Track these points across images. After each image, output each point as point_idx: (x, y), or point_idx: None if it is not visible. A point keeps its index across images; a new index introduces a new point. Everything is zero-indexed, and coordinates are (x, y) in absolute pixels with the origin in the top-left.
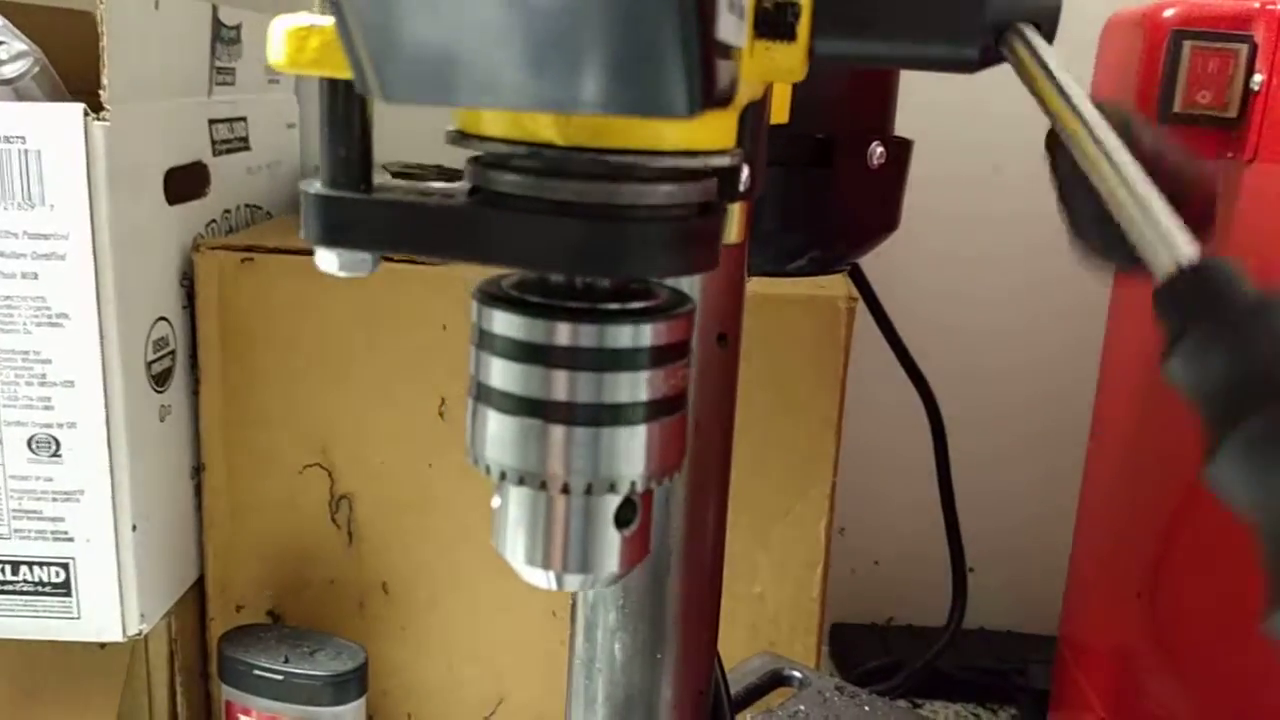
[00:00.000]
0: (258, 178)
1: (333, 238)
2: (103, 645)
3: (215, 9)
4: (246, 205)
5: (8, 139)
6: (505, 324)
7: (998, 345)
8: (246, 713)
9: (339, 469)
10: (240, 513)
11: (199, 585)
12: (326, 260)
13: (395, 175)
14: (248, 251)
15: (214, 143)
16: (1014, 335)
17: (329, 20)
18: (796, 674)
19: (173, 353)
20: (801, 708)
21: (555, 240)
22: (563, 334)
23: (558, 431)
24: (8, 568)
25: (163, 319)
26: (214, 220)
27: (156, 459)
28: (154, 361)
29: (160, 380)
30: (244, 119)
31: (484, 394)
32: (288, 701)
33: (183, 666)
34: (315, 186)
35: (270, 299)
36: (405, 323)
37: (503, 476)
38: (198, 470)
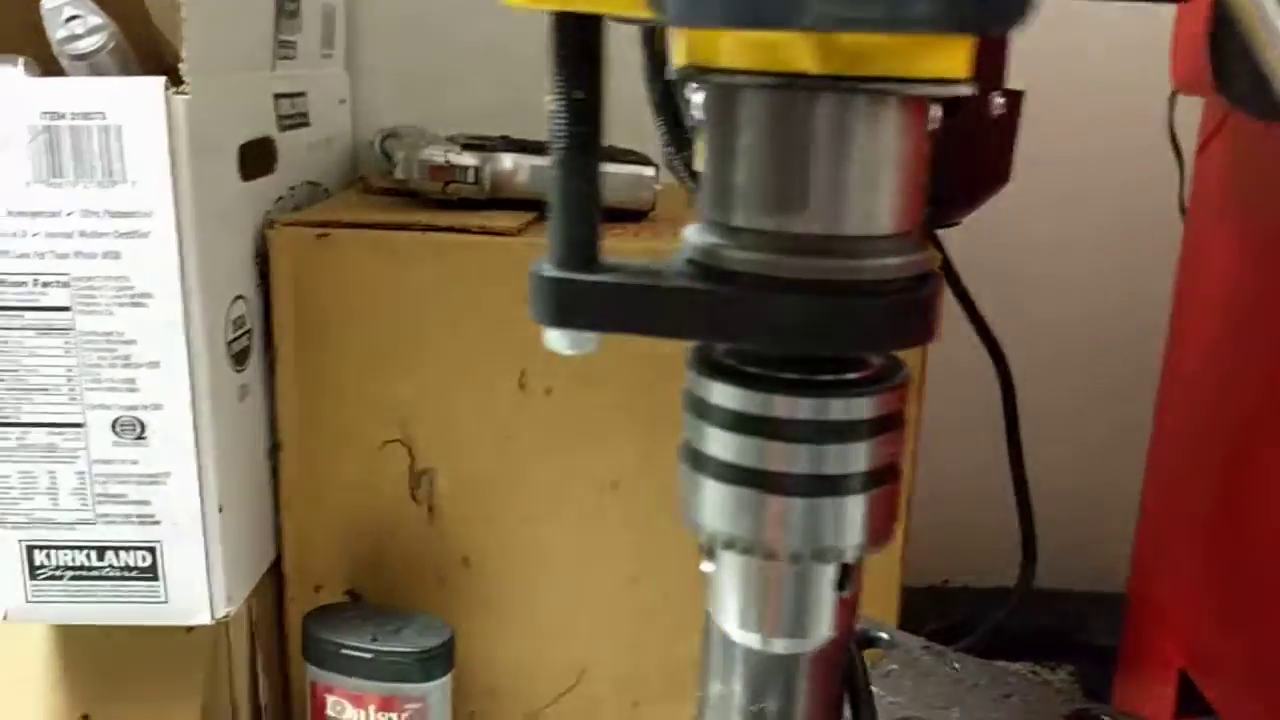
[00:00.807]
0: (316, 153)
1: (564, 320)
2: (189, 629)
3: None
4: (307, 182)
5: (87, 115)
6: (728, 397)
7: (1064, 296)
8: (331, 691)
9: (419, 445)
10: (318, 491)
11: (275, 566)
12: (556, 339)
13: (464, 146)
14: (323, 227)
15: (279, 118)
16: (1080, 285)
17: None
18: (884, 635)
19: (249, 331)
20: (894, 668)
21: (791, 318)
22: (785, 407)
23: (777, 502)
24: (93, 553)
25: (240, 297)
26: (281, 197)
27: (237, 439)
28: (233, 340)
29: (239, 359)
30: (304, 94)
31: (701, 462)
32: (377, 679)
33: (262, 648)
34: (546, 268)
35: (346, 274)
36: (483, 294)
37: (725, 545)
38: (274, 450)
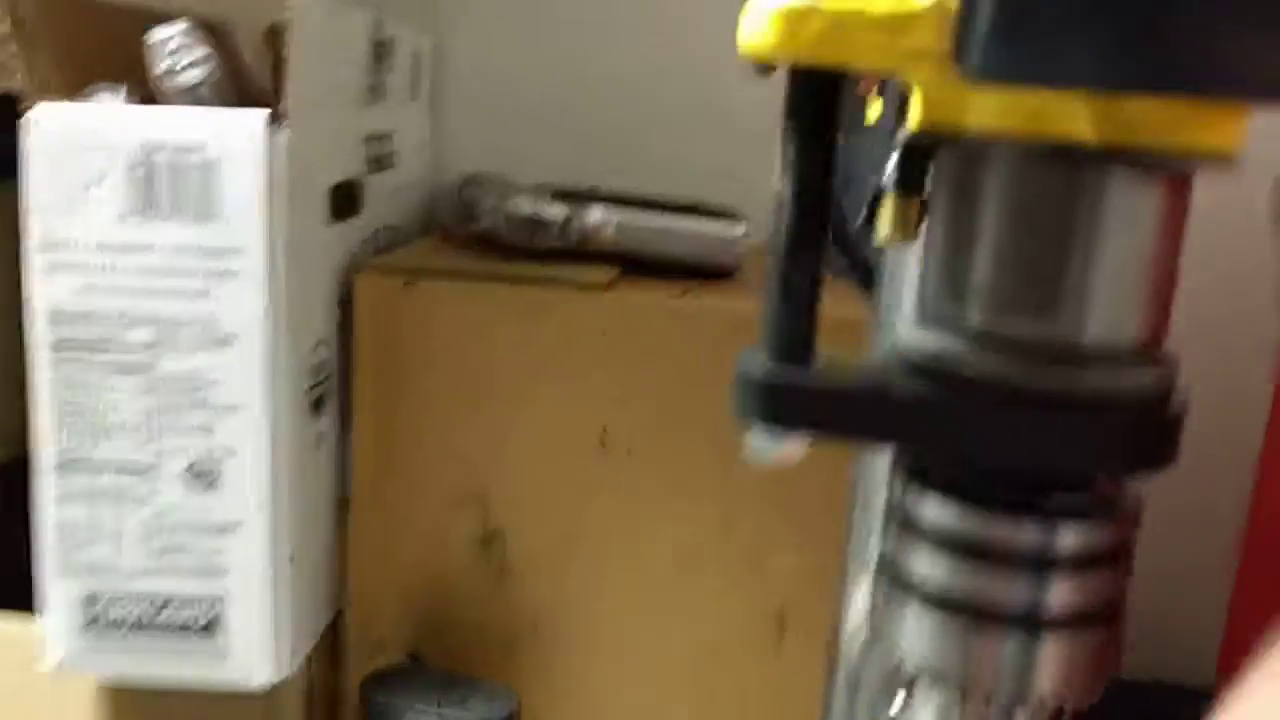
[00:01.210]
0: (399, 197)
1: (777, 420)
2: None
3: (378, 21)
4: (389, 226)
5: (187, 147)
6: (958, 518)
7: None
8: None
9: (492, 502)
10: (386, 547)
11: (333, 624)
12: (762, 444)
13: (554, 196)
14: (410, 275)
15: (367, 159)
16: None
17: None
18: None
19: (329, 377)
20: None
21: (1037, 435)
22: (1019, 532)
23: (996, 637)
24: (151, 605)
25: (322, 343)
26: (365, 239)
27: (310, 490)
28: (313, 387)
29: (317, 406)
30: (391, 135)
31: (908, 585)
32: None
33: (320, 711)
34: (760, 365)
35: (430, 324)
36: (569, 349)
37: (933, 680)
38: (344, 502)
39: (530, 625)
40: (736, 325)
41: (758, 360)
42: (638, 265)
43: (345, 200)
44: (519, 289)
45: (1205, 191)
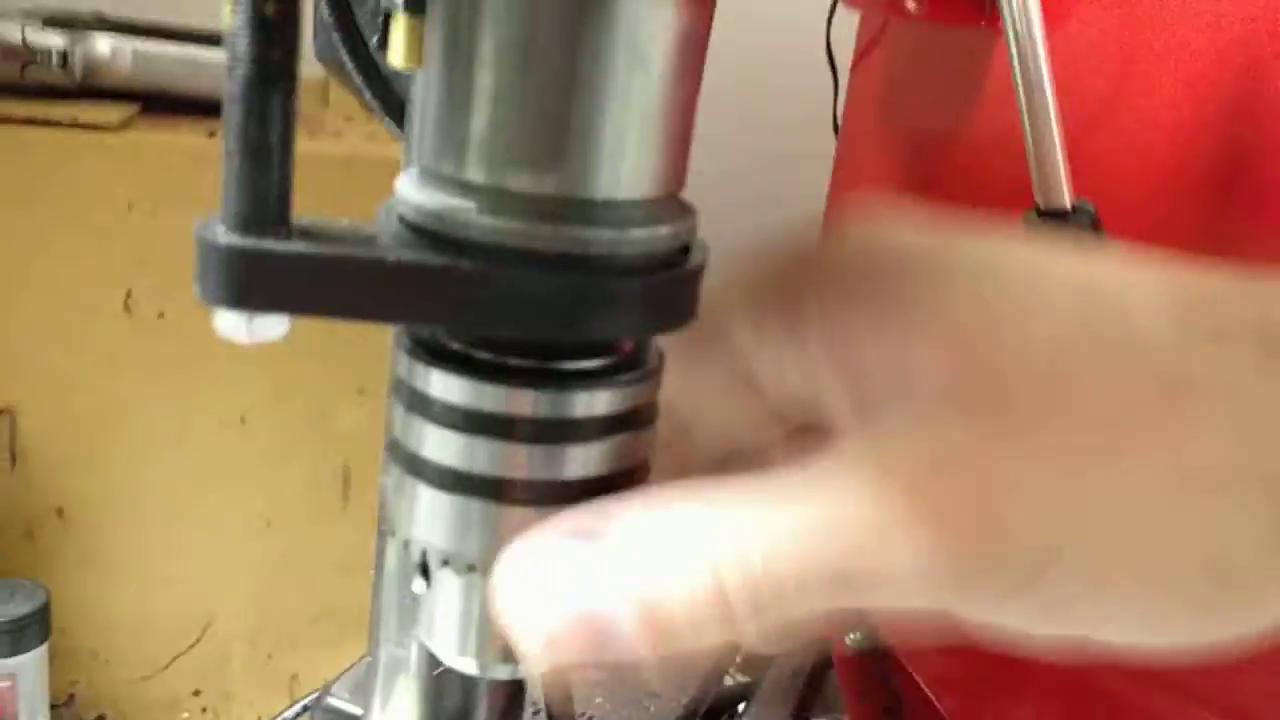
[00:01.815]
0: None
1: (246, 300)
2: None
3: None
4: None
5: None
6: (457, 390)
7: (721, 226)
8: None
9: None
10: None
11: None
12: (232, 325)
13: (47, 23)
14: None
15: None
16: (740, 214)
17: None
18: None
19: None
20: None
21: (546, 298)
22: (529, 403)
23: (512, 514)
24: None
25: None
26: None
27: None
28: None
29: None
30: None
31: (414, 465)
32: None
33: None
34: (220, 233)
35: None
36: (78, 201)
37: (442, 562)
38: None
39: (53, 509)
40: None
41: (218, 230)
42: (159, 102)
43: None
44: (9, 131)
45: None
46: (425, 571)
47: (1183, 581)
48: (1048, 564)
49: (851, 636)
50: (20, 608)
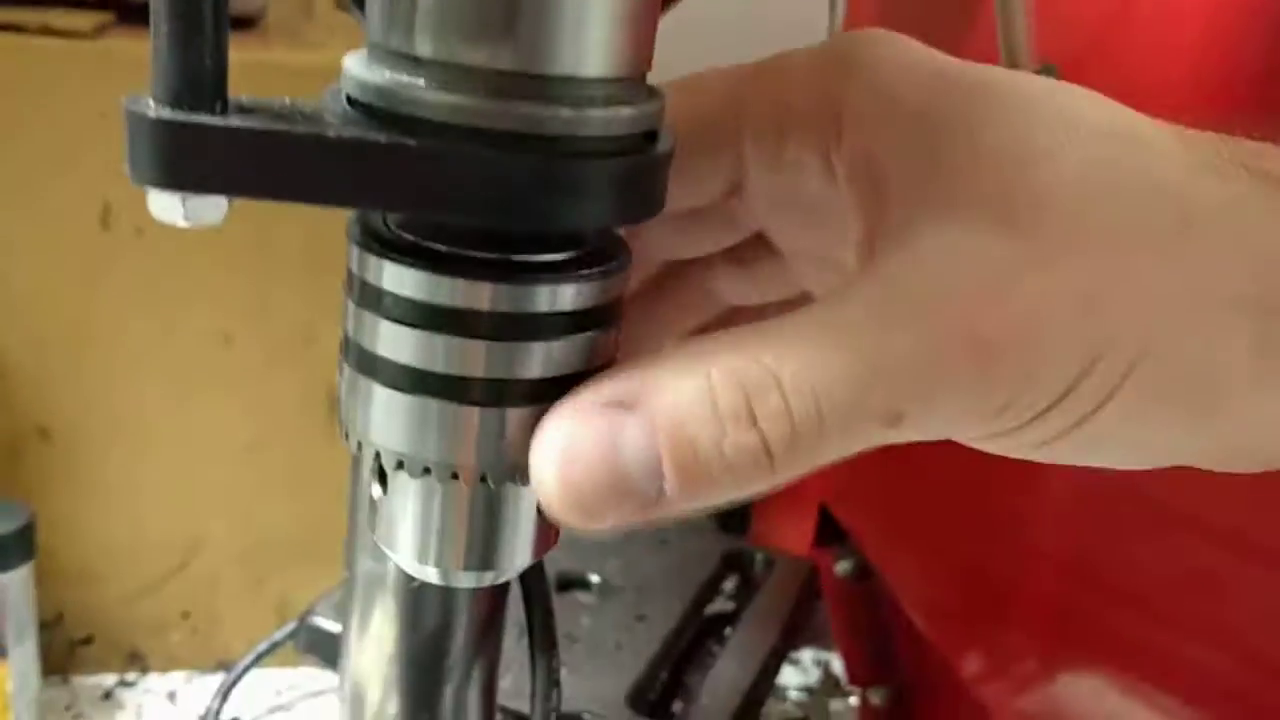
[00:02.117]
0: None
1: (180, 179)
2: None
3: None
4: None
5: None
6: (409, 283)
7: None
8: None
9: None
10: None
11: None
12: (165, 207)
13: None
14: None
15: None
16: None
17: None
18: None
19: None
20: None
21: (505, 183)
22: (488, 297)
23: (471, 414)
24: None
25: None
26: None
27: None
28: None
29: None
30: None
31: (367, 363)
32: None
33: None
34: (150, 107)
35: None
36: (49, 111)
37: (397, 466)
38: None
39: (37, 430)
40: (257, 79)
41: (147, 104)
42: (134, 10)
43: None
44: None
45: None
46: (382, 476)
47: (1188, 392)
48: (1082, 378)
49: (841, 565)
50: (3, 525)
